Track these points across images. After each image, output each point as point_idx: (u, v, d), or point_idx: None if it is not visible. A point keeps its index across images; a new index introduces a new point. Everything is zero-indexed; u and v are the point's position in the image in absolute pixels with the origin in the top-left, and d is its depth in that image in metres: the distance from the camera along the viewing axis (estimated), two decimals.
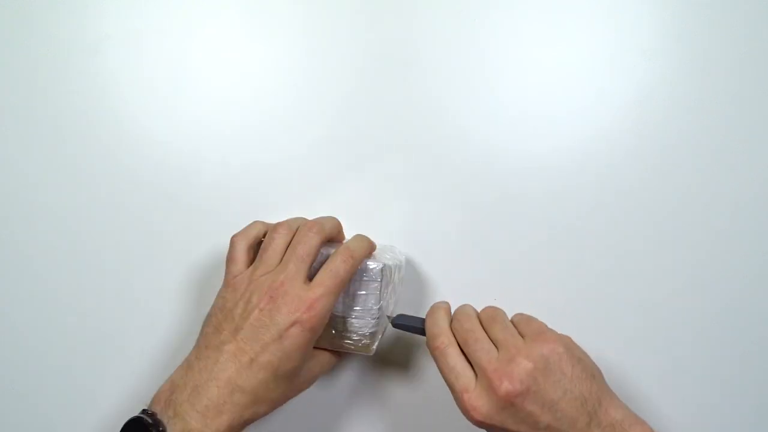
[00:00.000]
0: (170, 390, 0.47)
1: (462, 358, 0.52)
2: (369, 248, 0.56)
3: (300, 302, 0.49)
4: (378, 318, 0.56)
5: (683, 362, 0.64)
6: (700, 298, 0.64)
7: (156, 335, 0.64)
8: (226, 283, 0.53)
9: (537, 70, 0.66)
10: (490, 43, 0.66)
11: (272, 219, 0.59)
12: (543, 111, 0.66)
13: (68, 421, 0.64)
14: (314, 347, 0.53)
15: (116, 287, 0.64)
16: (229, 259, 0.54)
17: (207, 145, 0.66)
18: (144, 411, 0.46)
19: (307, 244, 0.52)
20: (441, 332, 0.53)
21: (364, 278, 0.55)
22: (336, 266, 0.51)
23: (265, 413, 0.50)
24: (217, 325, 0.50)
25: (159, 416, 0.46)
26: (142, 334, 0.64)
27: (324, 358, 0.57)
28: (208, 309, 0.54)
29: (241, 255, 0.54)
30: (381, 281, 0.55)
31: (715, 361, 0.64)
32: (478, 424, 0.50)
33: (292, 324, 0.48)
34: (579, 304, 0.65)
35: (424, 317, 0.57)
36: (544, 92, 0.66)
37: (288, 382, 0.50)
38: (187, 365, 0.49)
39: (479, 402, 0.49)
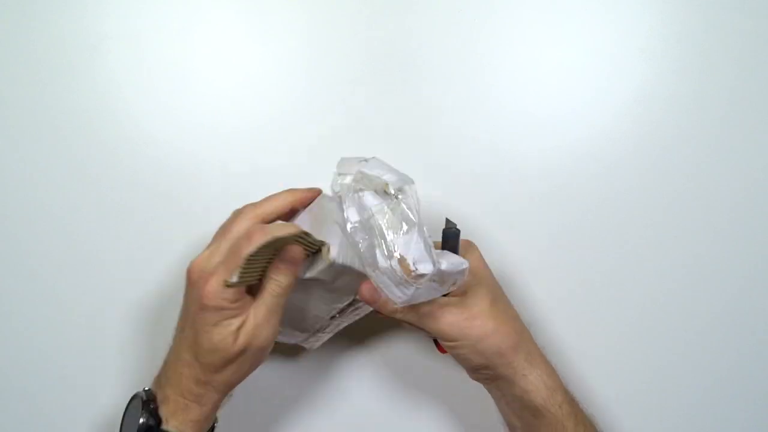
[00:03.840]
0: (162, 366, 0.53)
1: None
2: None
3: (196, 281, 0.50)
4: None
5: (683, 361, 0.64)
6: (700, 297, 0.64)
7: (157, 335, 0.64)
8: None
9: (537, 70, 0.66)
10: (490, 44, 0.66)
11: None
12: (543, 111, 0.66)
13: (68, 420, 0.64)
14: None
15: (116, 287, 0.64)
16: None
17: (207, 145, 0.65)
18: (144, 389, 0.52)
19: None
20: None
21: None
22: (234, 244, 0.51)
23: (227, 380, 0.51)
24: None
25: (153, 391, 0.52)
26: (142, 334, 0.64)
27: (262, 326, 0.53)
28: None
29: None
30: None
31: (715, 361, 0.64)
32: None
33: (195, 305, 0.50)
34: (579, 303, 0.65)
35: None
36: (544, 92, 0.66)
37: (219, 355, 0.50)
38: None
39: None
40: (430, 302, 0.52)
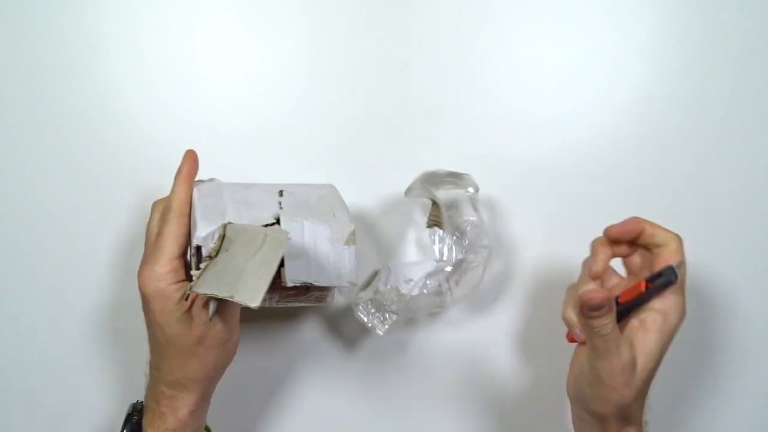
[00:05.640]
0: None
1: None
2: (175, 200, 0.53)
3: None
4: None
5: (683, 362, 0.64)
6: (700, 297, 0.64)
7: None
8: None
9: (537, 70, 0.66)
10: (490, 44, 0.66)
11: None
12: (543, 111, 0.66)
13: (69, 420, 0.64)
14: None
15: (116, 287, 0.64)
16: None
17: (207, 145, 0.65)
18: (136, 401, 0.55)
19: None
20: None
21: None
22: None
23: (195, 375, 0.51)
24: None
25: (144, 402, 0.53)
26: (142, 334, 0.64)
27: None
28: None
29: None
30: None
31: (715, 361, 0.64)
32: None
33: (142, 301, 0.52)
34: None
35: None
36: (544, 92, 0.66)
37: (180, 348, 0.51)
38: None
39: None
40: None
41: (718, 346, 0.64)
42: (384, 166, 0.65)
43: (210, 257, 0.48)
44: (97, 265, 0.64)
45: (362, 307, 0.59)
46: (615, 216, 0.65)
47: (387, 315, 0.59)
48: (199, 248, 0.51)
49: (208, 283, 0.46)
